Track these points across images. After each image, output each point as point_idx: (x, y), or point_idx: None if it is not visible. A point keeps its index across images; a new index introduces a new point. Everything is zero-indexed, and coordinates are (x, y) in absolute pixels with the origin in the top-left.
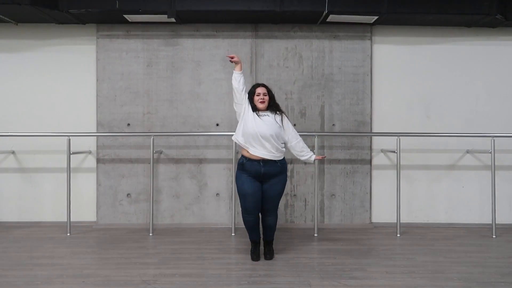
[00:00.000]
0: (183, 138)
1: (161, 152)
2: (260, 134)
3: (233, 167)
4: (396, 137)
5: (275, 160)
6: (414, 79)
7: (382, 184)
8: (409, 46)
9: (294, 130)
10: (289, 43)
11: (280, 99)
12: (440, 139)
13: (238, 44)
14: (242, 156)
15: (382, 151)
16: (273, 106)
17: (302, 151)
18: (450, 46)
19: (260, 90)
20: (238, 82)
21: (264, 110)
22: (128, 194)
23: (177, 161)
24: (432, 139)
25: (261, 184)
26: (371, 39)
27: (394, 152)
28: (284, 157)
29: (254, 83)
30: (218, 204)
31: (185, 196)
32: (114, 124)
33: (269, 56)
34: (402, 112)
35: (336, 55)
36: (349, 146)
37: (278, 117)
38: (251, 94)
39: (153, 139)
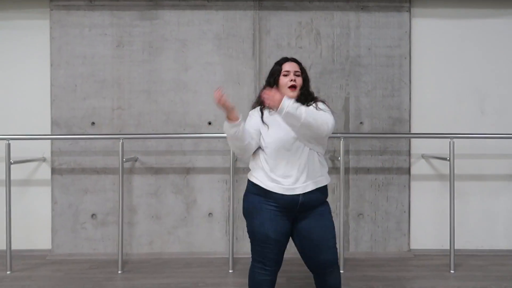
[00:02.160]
0: (165, 141)
1: (136, 160)
2: (285, 144)
3: (230, 178)
4: (449, 140)
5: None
6: (465, 64)
7: (423, 200)
8: (459, 20)
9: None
10: (303, 16)
11: None
12: (498, 141)
13: (237, 18)
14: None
15: (423, 156)
16: (306, 96)
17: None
18: (510, 20)
19: (289, 66)
20: (239, 139)
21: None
22: (93, 215)
23: (157, 171)
24: (488, 142)
25: (293, 222)
26: (409, 11)
27: (443, 159)
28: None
29: (279, 62)
30: (210, 227)
31: (168, 217)
32: (73, 123)
33: (277, 33)
34: (450, 106)
35: (365, 32)
36: (382, 150)
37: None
38: (274, 74)
39: (123, 142)
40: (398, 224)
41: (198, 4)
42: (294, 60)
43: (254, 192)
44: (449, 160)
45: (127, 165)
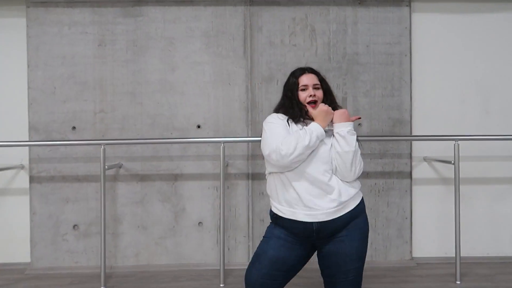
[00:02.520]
0: (151, 146)
1: (120, 166)
2: (315, 177)
3: (221, 184)
4: (454, 142)
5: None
6: (469, 61)
7: (426, 205)
8: (462, 15)
9: None
10: (297, 11)
11: None
12: (504, 142)
13: (227, 14)
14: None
15: (425, 159)
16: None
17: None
18: None
19: (306, 79)
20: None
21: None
22: (74, 226)
23: (143, 178)
24: (493, 143)
25: (314, 249)
26: (409, 6)
27: (447, 162)
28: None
29: (295, 73)
30: (201, 237)
31: (155, 226)
32: (53, 127)
33: (270, 30)
34: (453, 106)
35: (363, 28)
36: (382, 153)
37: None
38: (292, 89)
39: (104, 148)
40: (399, 231)
41: (185, 0)
42: (311, 70)
43: (272, 220)
44: (453, 163)
45: (111, 172)
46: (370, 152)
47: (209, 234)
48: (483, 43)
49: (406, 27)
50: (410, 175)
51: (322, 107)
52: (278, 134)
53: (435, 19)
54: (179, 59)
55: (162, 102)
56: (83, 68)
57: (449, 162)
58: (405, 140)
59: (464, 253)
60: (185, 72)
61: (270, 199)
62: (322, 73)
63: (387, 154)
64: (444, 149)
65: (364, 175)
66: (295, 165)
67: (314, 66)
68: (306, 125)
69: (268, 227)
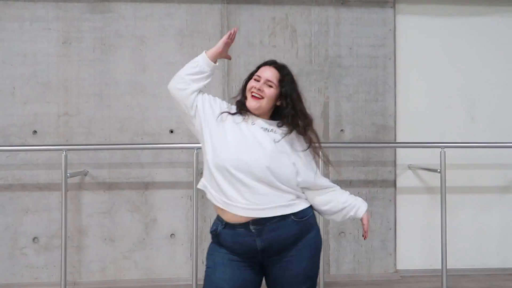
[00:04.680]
0: (120, 152)
1: (85, 174)
2: (242, 165)
3: (194, 193)
4: (440, 149)
5: (285, 215)
6: (454, 65)
7: (410, 215)
8: (448, 18)
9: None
10: (277, 11)
11: None
12: (490, 150)
13: (202, 12)
14: (217, 217)
15: (410, 167)
16: (291, 118)
17: (345, 205)
18: (503, 19)
19: (265, 72)
20: (198, 81)
21: (257, 114)
22: (34, 238)
23: (110, 186)
24: (479, 151)
25: (263, 269)
26: (394, 7)
27: (433, 170)
28: (306, 206)
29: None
30: (173, 250)
31: (124, 239)
32: (12, 131)
33: (248, 30)
34: (438, 111)
35: (345, 30)
36: (365, 161)
37: (297, 141)
38: (250, 76)
39: (66, 154)
40: (383, 243)
41: None
42: (277, 67)
43: (212, 239)
44: (439, 171)
45: (75, 180)
46: (353, 160)
47: (182, 246)
48: (469, 48)
49: (390, 29)
50: (394, 183)
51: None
52: None
53: (420, 21)
54: (151, 59)
55: (132, 105)
56: (45, 67)
57: (435, 171)
58: (389, 147)
59: (449, 265)
60: (157, 73)
61: None
62: (301, 78)
63: (371, 162)
64: (429, 156)
65: (347, 184)
66: (179, 87)
67: (295, 69)
68: (247, 118)
69: None
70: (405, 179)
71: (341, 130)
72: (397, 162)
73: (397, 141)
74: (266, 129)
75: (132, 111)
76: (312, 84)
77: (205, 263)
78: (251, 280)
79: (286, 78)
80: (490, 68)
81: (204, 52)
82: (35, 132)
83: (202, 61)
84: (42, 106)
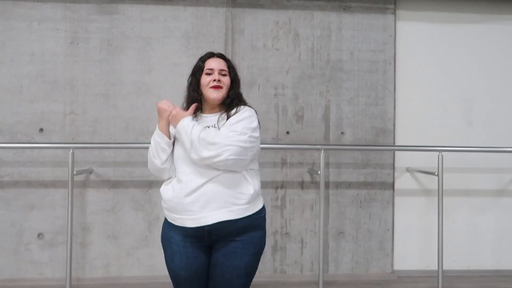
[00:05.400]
0: (125, 151)
1: (90, 172)
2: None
3: None
4: (438, 153)
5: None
6: (452, 71)
7: (408, 217)
8: (447, 25)
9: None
10: (280, 15)
11: (267, 96)
12: (486, 154)
13: (207, 15)
14: None
15: (408, 170)
16: (232, 99)
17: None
18: (501, 26)
19: (214, 63)
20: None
21: (217, 105)
22: (39, 234)
23: (115, 184)
24: (475, 155)
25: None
26: (394, 13)
27: (431, 173)
28: (258, 203)
29: (202, 57)
30: None
31: (127, 236)
32: (19, 129)
33: (252, 33)
34: (435, 116)
35: (347, 35)
36: (364, 163)
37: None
38: (196, 73)
39: (73, 152)
40: (381, 244)
41: None
42: (221, 56)
43: (164, 225)
44: (437, 174)
45: (80, 177)
46: (352, 162)
47: None
48: (466, 54)
49: (390, 35)
50: (392, 186)
51: (162, 104)
52: None
53: (420, 28)
54: (156, 60)
55: (138, 104)
56: (53, 67)
57: (433, 174)
58: (388, 150)
59: (445, 266)
60: (162, 74)
61: None
62: (303, 82)
63: (370, 164)
64: (427, 159)
65: (346, 185)
66: (158, 171)
67: (297, 72)
68: (197, 118)
69: None
70: (403, 181)
71: (342, 133)
72: (396, 165)
73: (396, 144)
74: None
75: (137, 111)
76: (314, 87)
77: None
78: (203, 264)
79: (231, 65)
80: (487, 74)
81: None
82: (41, 130)
83: (162, 142)
84: (49, 104)
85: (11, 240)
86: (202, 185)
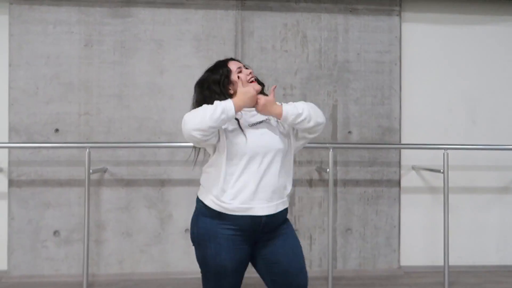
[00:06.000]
0: (138, 150)
1: (105, 171)
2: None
3: None
4: (443, 151)
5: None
6: (457, 71)
7: (414, 214)
8: (451, 26)
9: None
10: (289, 17)
11: (276, 96)
12: (489, 152)
13: (218, 18)
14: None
15: (413, 168)
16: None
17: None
18: (504, 28)
19: (236, 64)
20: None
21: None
22: (55, 232)
23: (128, 183)
24: (480, 153)
25: (252, 248)
26: (400, 15)
27: (436, 171)
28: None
29: (222, 63)
30: (187, 245)
31: (140, 233)
32: (35, 129)
33: (261, 35)
34: (440, 115)
35: (354, 36)
36: (371, 161)
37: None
38: (220, 79)
39: (89, 152)
40: (388, 240)
41: (175, 2)
42: (235, 59)
43: (202, 213)
44: (443, 172)
45: (95, 176)
46: (359, 160)
47: None
48: (470, 54)
49: (396, 36)
50: (398, 183)
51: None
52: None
53: (425, 29)
54: (168, 62)
55: (150, 105)
56: (67, 69)
57: (438, 171)
58: (394, 148)
59: (450, 262)
60: (174, 76)
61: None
62: (311, 82)
63: (376, 162)
64: (432, 157)
65: (354, 183)
66: (197, 136)
67: (305, 73)
68: (245, 121)
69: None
70: (409, 179)
71: (349, 132)
72: (402, 163)
73: (402, 142)
74: (266, 121)
75: (150, 112)
76: (322, 87)
77: (194, 239)
78: (246, 258)
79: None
80: (491, 74)
81: (232, 103)
82: (57, 130)
83: (231, 114)
84: (64, 105)
85: (28, 238)
86: (263, 176)
